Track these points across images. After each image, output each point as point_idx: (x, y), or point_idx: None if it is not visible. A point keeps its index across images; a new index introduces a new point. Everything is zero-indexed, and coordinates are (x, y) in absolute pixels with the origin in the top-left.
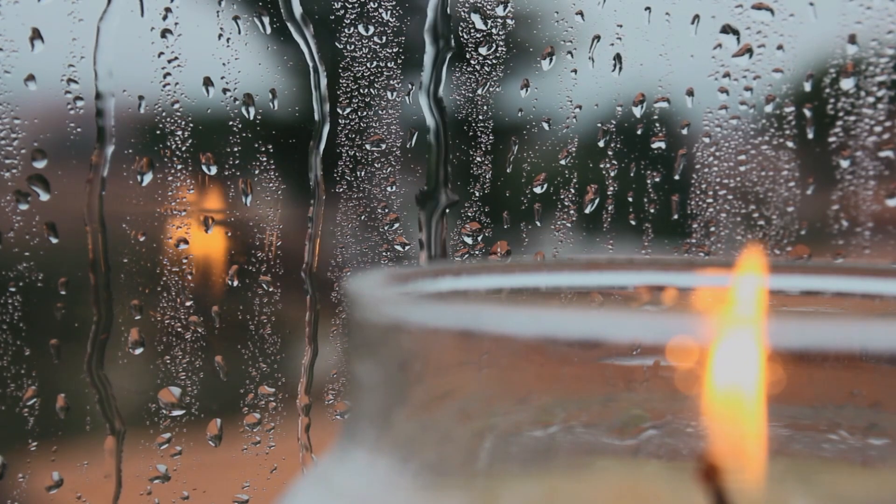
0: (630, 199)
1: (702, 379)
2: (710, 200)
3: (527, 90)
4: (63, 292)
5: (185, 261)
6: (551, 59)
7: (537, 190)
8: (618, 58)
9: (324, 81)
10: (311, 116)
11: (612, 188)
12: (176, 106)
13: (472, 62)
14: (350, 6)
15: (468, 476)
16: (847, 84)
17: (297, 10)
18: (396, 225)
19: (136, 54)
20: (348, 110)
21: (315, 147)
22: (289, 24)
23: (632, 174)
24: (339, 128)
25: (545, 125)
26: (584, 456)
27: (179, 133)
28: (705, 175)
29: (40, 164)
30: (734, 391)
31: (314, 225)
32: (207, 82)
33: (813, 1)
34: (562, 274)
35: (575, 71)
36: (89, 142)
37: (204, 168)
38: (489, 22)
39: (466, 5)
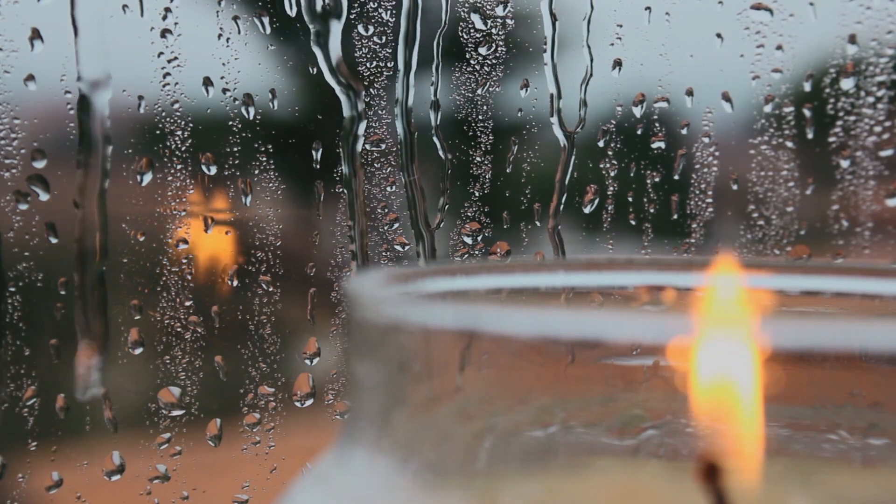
0: (630, 199)
1: (701, 379)
2: (709, 200)
3: (527, 90)
4: (63, 292)
5: (184, 261)
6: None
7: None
8: (618, 60)
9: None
10: (311, 116)
11: (612, 188)
12: (176, 106)
13: (472, 62)
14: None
15: (468, 476)
16: (847, 84)
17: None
18: (396, 225)
19: (136, 54)
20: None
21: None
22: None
23: (632, 174)
24: (338, 129)
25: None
26: (584, 456)
27: (179, 133)
28: (705, 175)
29: (40, 164)
30: (734, 391)
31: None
32: (207, 82)
33: (813, 1)
34: (562, 274)
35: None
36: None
37: (204, 168)
38: (489, 22)
39: (466, 5)
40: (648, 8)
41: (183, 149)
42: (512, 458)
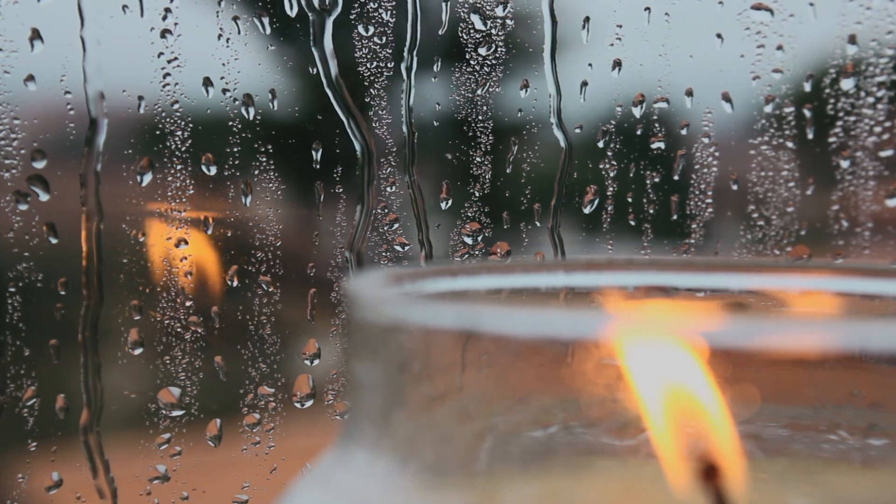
0: (630, 200)
1: (702, 379)
2: (709, 201)
3: (527, 90)
4: (63, 292)
5: (184, 261)
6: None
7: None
8: (617, 60)
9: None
10: (311, 116)
11: (611, 188)
12: (175, 106)
13: (472, 62)
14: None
15: (468, 476)
16: (847, 84)
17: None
18: (396, 225)
19: (135, 54)
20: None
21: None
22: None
23: (631, 174)
24: (338, 130)
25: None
26: (584, 456)
27: (179, 133)
28: (704, 175)
29: (40, 165)
30: (734, 391)
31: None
32: (207, 82)
33: (813, 1)
34: (562, 274)
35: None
36: None
37: (204, 168)
38: (489, 22)
39: (466, 5)
40: (648, 8)
41: (183, 149)
42: (512, 458)
